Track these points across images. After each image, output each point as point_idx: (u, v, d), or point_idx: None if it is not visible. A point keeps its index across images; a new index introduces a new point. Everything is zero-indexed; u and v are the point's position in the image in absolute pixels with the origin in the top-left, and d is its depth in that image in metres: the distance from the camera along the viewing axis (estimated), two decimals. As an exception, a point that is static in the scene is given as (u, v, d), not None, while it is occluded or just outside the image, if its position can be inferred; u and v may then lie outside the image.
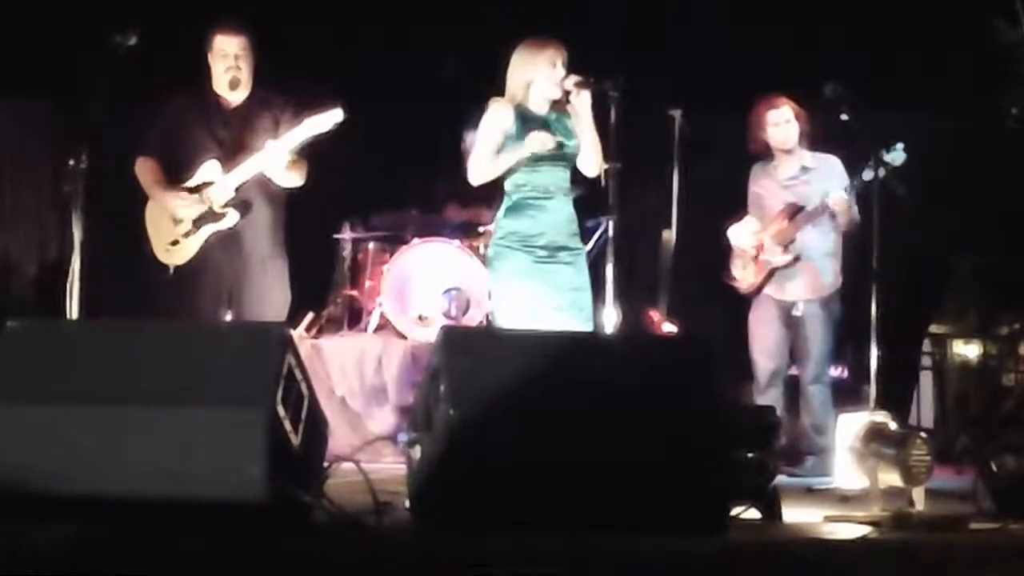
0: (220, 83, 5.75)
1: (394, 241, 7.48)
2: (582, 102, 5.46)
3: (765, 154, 6.42)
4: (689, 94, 6.96)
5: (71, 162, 5.21)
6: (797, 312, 6.29)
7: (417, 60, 8.04)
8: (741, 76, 7.39)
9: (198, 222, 5.65)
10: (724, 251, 6.54)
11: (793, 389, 6.48)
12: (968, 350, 8.07)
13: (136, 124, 7.19)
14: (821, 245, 6.30)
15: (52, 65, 7.18)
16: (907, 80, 7.47)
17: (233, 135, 5.72)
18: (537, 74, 5.51)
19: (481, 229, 7.50)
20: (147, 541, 3.21)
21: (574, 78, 5.45)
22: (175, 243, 5.67)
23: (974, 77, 7.29)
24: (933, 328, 8.18)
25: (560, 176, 5.53)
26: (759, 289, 6.39)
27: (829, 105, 6.07)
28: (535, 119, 5.52)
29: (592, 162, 5.53)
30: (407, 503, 3.95)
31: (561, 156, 5.50)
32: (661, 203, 6.94)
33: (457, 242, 7.34)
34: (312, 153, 5.75)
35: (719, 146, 7.32)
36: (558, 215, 5.51)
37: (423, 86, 8.12)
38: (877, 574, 3.55)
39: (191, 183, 5.67)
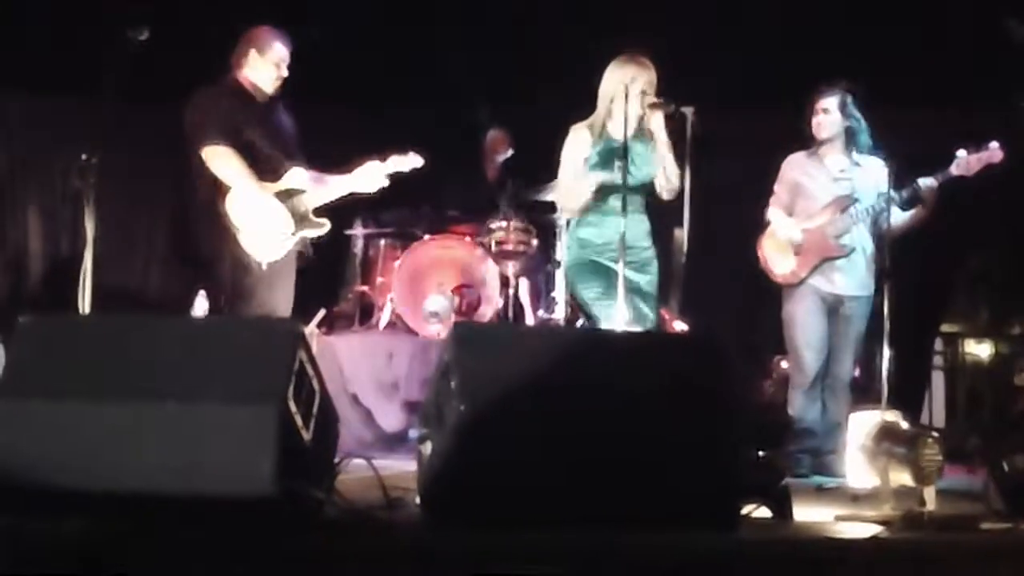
0: (265, 84, 5.84)
1: (405, 237, 7.48)
2: (655, 124, 5.46)
3: (813, 143, 6.35)
4: (701, 93, 6.94)
5: (83, 157, 5.21)
6: (847, 311, 6.18)
7: (429, 57, 8.05)
8: (751, 75, 7.39)
9: (299, 225, 5.76)
10: (753, 238, 6.49)
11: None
12: (980, 349, 8.05)
13: (149, 119, 7.21)
14: (867, 245, 6.24)
15: (64, 60, 7.19)
16: (917, 80, 7.45)
17: (273, 133, 5.84)
18: (617, 91, 5.49)
19: (493, 226, 7.50)
20: (158, 536, 3.22)
21: (649, 99, 5.44)
22: (272, 240, 5.69)
23: (987, 76, 7.26)
24: (945, 327, 8.15)
25: (631, 199, 5.52)
26: (802, 280, 6.28)
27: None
28: (612, 147, 5.51)
29: (663, 188, 5.54)
30: (417, 499, 3.95)
31: (629, 187, 5.48)
32: (672, 202, 6.92)
33: (468, 238, 7.34)
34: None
35: (732, 145, 7.31)
36: (628, 229, 5.49)
37: (435, 83, 8.13)
38: (887, 573, 3.55)
39: (284, 186, 5.76)
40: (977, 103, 7.11)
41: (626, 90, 5.44)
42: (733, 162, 7.29)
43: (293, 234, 5.74)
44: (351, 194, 6.02)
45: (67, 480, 3.45)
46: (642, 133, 5.54)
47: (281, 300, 5.80)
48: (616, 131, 5.51)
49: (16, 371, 3.66)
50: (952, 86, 7.38)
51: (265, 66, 5.82)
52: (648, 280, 5.63)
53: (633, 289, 5.50)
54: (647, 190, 5.60)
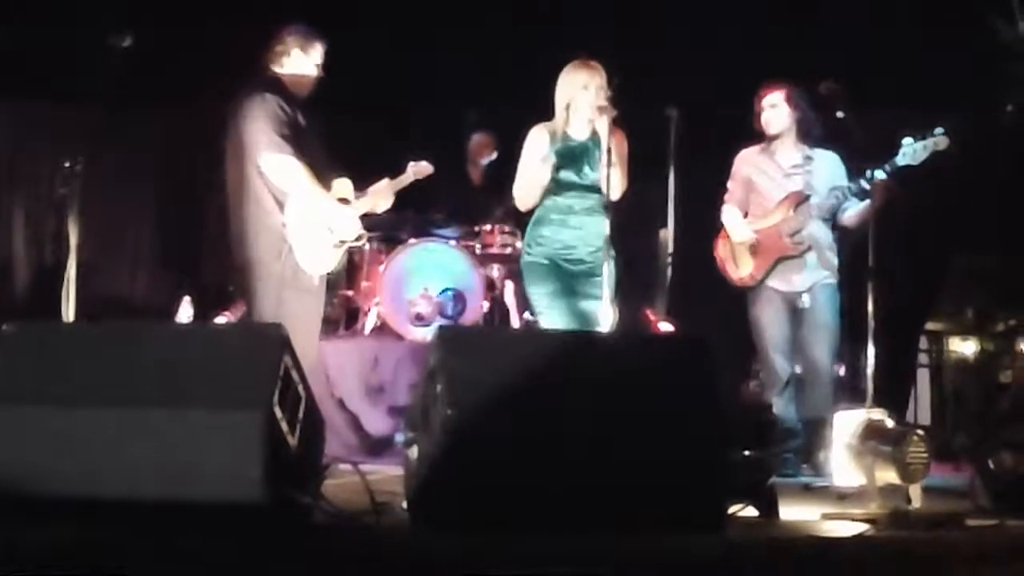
0: (305, 84, 5.69)
1: (390, 241, 7.47)
2: (601, 127, 5.49)
3: (763, 138, 6.35)
4: (686, 93, 6.95)
5: (67, 164, 5.19)
6: (803, 304, 6.16)
7: (419, 59, 8.05)
8: (739, 75, 7.39)
9: (346, 237, 5.69)
10: (711, 243, 6.51)
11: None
12: (965, 347, 8.06)
13: (135, 124, 7.19)
14: (824, 237, 6.23)
15: (48, 66, 7.18)
16: (904, 79, 7.47)
17: (314, 137, 5.71)
18: (573, 96, 5.60)
19: (478, 229, 7.51)
20: (145, 542, 3.22)
21: (599, 103, 5.48)
22: (325, 252, 5.62)
23: (971, 75, 7.28)
24: (930, 325, 8.16)
25: (585, 200, 5.60)
26: (760, 282, 6.29)
27: (825, 103, 6.07)
28: (571, 147, 5.62)
29: (611, 188, 5.54)
30: (404, 503, 3.95)
31: (582, 185, 5.59)
32: (658, 202, 6.93)
33: (453, 242, 7.34)
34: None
35: (716, 145, 7.31)
36: (581, 231, 5.57)
37: (421, 86, 8.13)
38: (874, 571, 3.56)
39: (336, 195, 5.68)
40: (960, 102, 7.13)
41: (585, 92, 5.54)
42: (717, 162, 7.29)
43: (343, 243, 5.69)
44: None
45: (53, 487, 3.44)
46: (595, 136, 5.58)
47: (320, 313, 5.82)
48: (575, 133, 5.63)
49: (1, 377, 3.65)
50: (936, 86, 7.40)
51: (308, 65, 5.68)
52: (600, 281, 5.59)
53: (584, 292, 5.53)
54: (599, 189, 5.62)
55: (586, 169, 5.58)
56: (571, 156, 5.61)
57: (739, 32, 7.68)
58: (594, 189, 5.57)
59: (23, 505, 3.43)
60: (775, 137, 6.28)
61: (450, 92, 8.18)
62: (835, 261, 6.22)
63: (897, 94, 7.34)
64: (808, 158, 6.22)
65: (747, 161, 6.37)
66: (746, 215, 6.37)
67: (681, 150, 6.64)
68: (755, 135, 6.37)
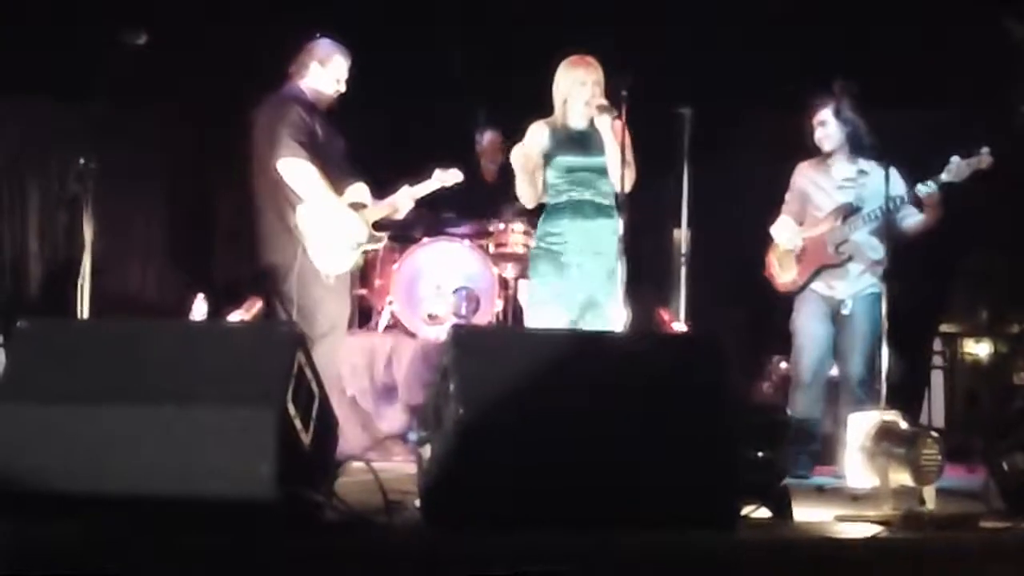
0: (325, 96, 5.83)
1: (404, 240, 7.47)
2: (602, 124, 5.51)
3: (818, 152, 6.38)
4: (700, 92, 6.94)
5: (80, 161, 5.21)
6: (846, 311, 6.19)
7: (429, 58, 8.05)
8: (749, 75, 7.39)
9: (363, 240, 5.79)
10: (760, 248, 6.53)
11: (830, 390, 6.44)
12: (979, 349, 8.06)
13: (146, 121, 7.19)
14: (871, 249, 6.23)
15: (60, 63, 7.19)
16: (915, 79, 7.45)
17: (333, 145, 5.82)
18: (569, 92, 5.64)
19: (491, 228, 7.50)
20: (156, 539, 3.22)
21: (597, 101, 5.52)
22: (340, 253, 5.70)
23: (983, 75, 7.26)
24: (943, 327, 8.16)
25: (595, 189, 5.60)
26: (802, 287, 6.33)
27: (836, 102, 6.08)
28: (571, 134, 5.64)
29: (616, 180, 5.54)
30: (417, 502, 3.95)
31: (590, 167, 5.58)
32: (672, 202, 6.92)
33: (467, 240, 7.34)
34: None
35: (730, 145, 7.31)
36: (590, 225, 5.57)
37: (434, 84, 8.13)
38: (887, 573, 3.55)
39: (349, 200, 5.78)
40: (974, 104, 7.12)
41: (582, 88, 5.58)
42: (731, 162, 7.29)
43: (359, 246, 5.78)
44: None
45: (66, 483, 3.45)
46: (593, 125, 5.61)
47: (344, 311, 5.89)
48: (576, 123, 5.66)
49: (15, 375, 3.66)
50: (949, 87, 7.38)
51: (327, 78, 5.81)
52: (604, 281, 5.57)
53: (587, 290, 5.53)
54: (609, 181, 5.61)
55: (593, 150, 5.59)
56: (574, 141, 5.62)
57: (752, 32, 7.67)
58: (603, 171, 5.58)
59: (34, 501, 3.43)
60: (830, 153, 6.31)
61: (461, 90, 8.18)
62: (880, 271, 6.19)
63: (908, 95, 7.32)
64: (863, 172, 6.26)
65: (803, 174, 6.44)
66: (802, 225, 6.40)
67: (695, 150, 6.64)
68: (811, 150, 6.39)
